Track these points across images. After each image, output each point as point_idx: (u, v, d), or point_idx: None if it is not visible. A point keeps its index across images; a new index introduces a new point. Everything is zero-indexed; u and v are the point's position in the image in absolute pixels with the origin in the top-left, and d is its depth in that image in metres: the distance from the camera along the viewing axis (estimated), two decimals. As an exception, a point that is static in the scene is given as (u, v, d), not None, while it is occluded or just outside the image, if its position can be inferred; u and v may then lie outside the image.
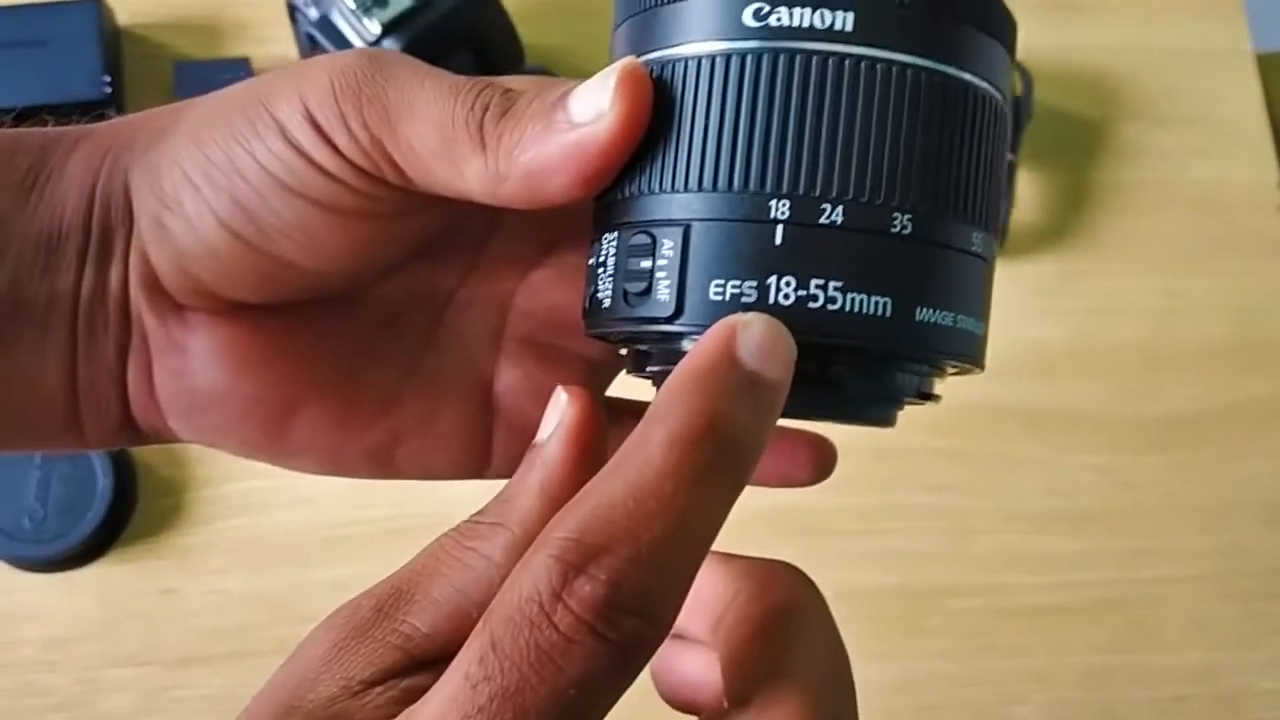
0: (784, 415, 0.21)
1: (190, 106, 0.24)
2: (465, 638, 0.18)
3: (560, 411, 0.20)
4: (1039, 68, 0.60)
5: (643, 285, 0.20)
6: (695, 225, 0.20)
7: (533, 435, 0.27)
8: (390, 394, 0.26)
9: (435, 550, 0.20)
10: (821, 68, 0.20)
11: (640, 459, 0.18)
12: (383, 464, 0.26)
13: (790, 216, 0.20)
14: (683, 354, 0.20)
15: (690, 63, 0.20)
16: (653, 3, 0.21)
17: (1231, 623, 0.55)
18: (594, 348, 0.26)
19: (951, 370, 0.23)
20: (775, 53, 0.20)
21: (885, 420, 0.23)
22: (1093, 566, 0.55)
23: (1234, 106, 0.62)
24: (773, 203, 0.20)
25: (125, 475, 0.53)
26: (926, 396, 0.23)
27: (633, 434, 0.18)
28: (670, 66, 0.21)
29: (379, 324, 0.26)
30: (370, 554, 0.54)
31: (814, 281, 0.20)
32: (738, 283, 0.20)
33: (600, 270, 0.22)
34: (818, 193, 0.20)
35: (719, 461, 0.18)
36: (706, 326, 0.19)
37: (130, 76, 0.58)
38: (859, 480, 0.56)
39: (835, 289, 0.20)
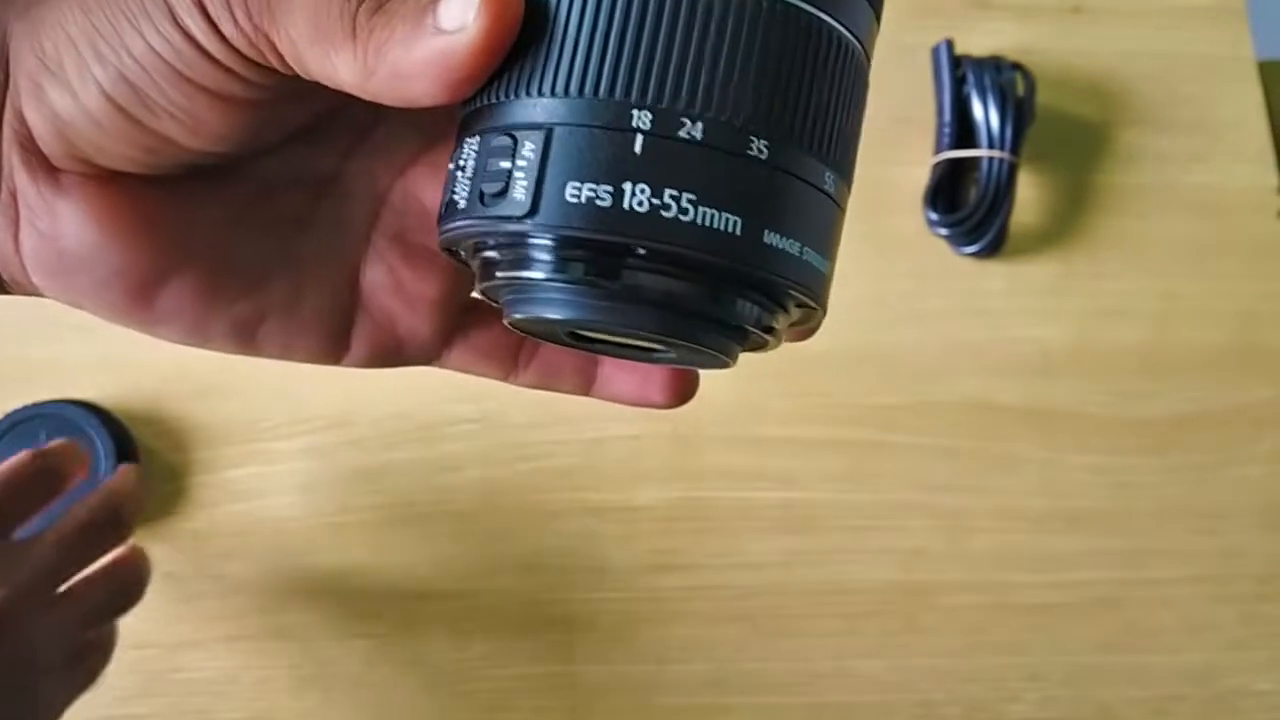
0: (624, 330, 0.22)
1: None
2: None
3: None
4: (1042, 70, 0.61)
5: (500, 185, 0.21)
6: (557, 129, 0.21)
7: (392, 330, 0.28)
8: (258, 272, 0.26)
9: None
10: None
11: None
12: (245, 340, 0.27)
13: (651, 128, 0.20)
14: (532, 259, 0.21)
15: None
16: None
17: (1227, 624, 0.55)
18: None
19: (795, 308, 0.23)
20: None
21: (722, 350, 0.23)
22: (1089, 566, 0.55)
23: (1235, 112, 0.62)
24: (635, 112, 0.20)
25: (128, 459, 0.53)
26: (768, 330, 0.23)
27: None
28: None
29: (253, 201, 0.26)
30: (369, 541, 0.54)
31: (668, 192, 0.20)
32: (594, 186, 0.20)
33: (459, 173, 0.22)
34: (680, 107, 0.20)
35: None
36: (559, 226, 0.20)
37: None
38: (856, 477, 0.56)
39: (688, 201, 0.20)
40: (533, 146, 0.21)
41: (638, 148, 0.20)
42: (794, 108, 0.21)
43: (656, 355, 0.25)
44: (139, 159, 0.24)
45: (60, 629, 0.44)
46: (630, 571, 0.54)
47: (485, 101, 0.22)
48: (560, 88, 0.21)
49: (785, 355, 0.57)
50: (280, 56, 0.22)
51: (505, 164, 0.21)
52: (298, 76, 0.23)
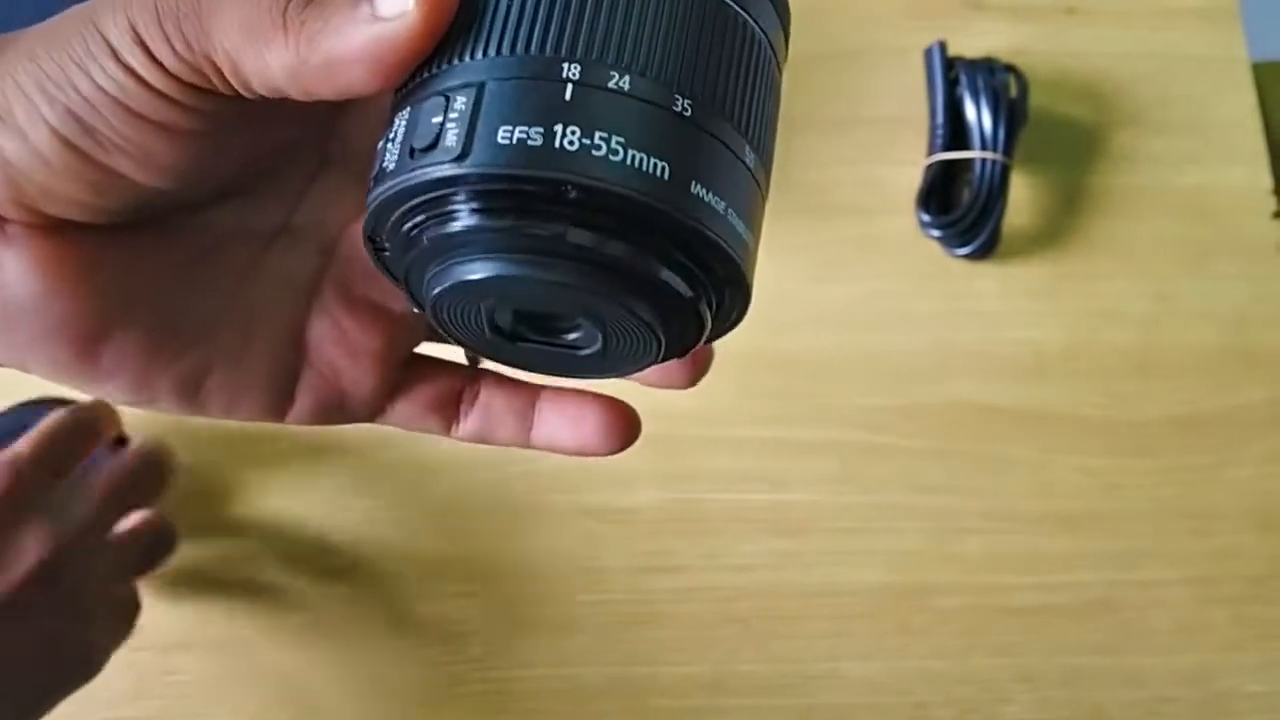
0: (551, 285, 0.22)
1: (27, 32, 0.24)
2: None
3: None
4: (1035, 72, 0.61)
5: (431, 138, 0.21)
6: (490, 83, 0.21)
7: (336, 384, 0.28)
8: (203, 326, 0.26)
9: None
10: None
11: None
12: (189, 397, 0.27)
13: (580, 78, 0.21)
14: (458, 209, 0.21)
15: None
16: None
17: (1220, 626, 0.55)
18: (404, 303, 0.26)
19: (720, 282, 0.23)
20: None
21: (650, 324, 0.23)
22: (1082, 568, 0.55)
23: (1229, 113, 0.62)
24: (565, 65, 0.21)
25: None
26: (694, 307, 0.23)
27: None
28: None
29: (198, 253, 0.26)
30: (361, 544, 0.54)
31: (598, 134, 0.21)
32: (525, 128, 0.21)
33: (389, 145, 0.22)
34: (609, 60, 0.21)
35: None
36: (490, 165, 0.20)
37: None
38: (848, 479, 0.56)
39: (618, 143, 0.21)
40: (465, 100, 0.21)
41: (568, 95, 0.21)
42: (716, 77, 0.22)
43: (582, 358, 0.25)
44: (87, 201, 0.24)
45: (104, 575, 0.46)
46: (622, 573, 0.54)
47: (419, 79, 0.22)
48: (493, 50, 0.21)
49: (776, 357, 0.57)
50: (220, 74, 0.22)
51: (437, 119, 0.21)
52: (240, 103, 0.23)
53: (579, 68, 0.21)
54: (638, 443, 0.55)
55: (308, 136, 0.26)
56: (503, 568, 0.54)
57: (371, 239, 0.24)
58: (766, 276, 0.58)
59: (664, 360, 0.24)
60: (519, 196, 0.21)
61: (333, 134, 0.28)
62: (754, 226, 0.23)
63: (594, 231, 0.21)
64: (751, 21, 0.23)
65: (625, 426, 0.29)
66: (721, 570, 0.55)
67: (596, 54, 0.21)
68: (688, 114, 0.21)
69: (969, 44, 0.61)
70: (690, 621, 0.54)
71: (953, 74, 0.60)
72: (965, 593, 0.55)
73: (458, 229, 0.21)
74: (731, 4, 0.23)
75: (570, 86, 0.21)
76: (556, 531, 0.55)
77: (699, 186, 0.21)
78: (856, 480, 0.56)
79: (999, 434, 0.57)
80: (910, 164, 0.60)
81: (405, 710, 0.53)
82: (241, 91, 0.23)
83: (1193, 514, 0.56)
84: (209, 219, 0.26)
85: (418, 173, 0.21)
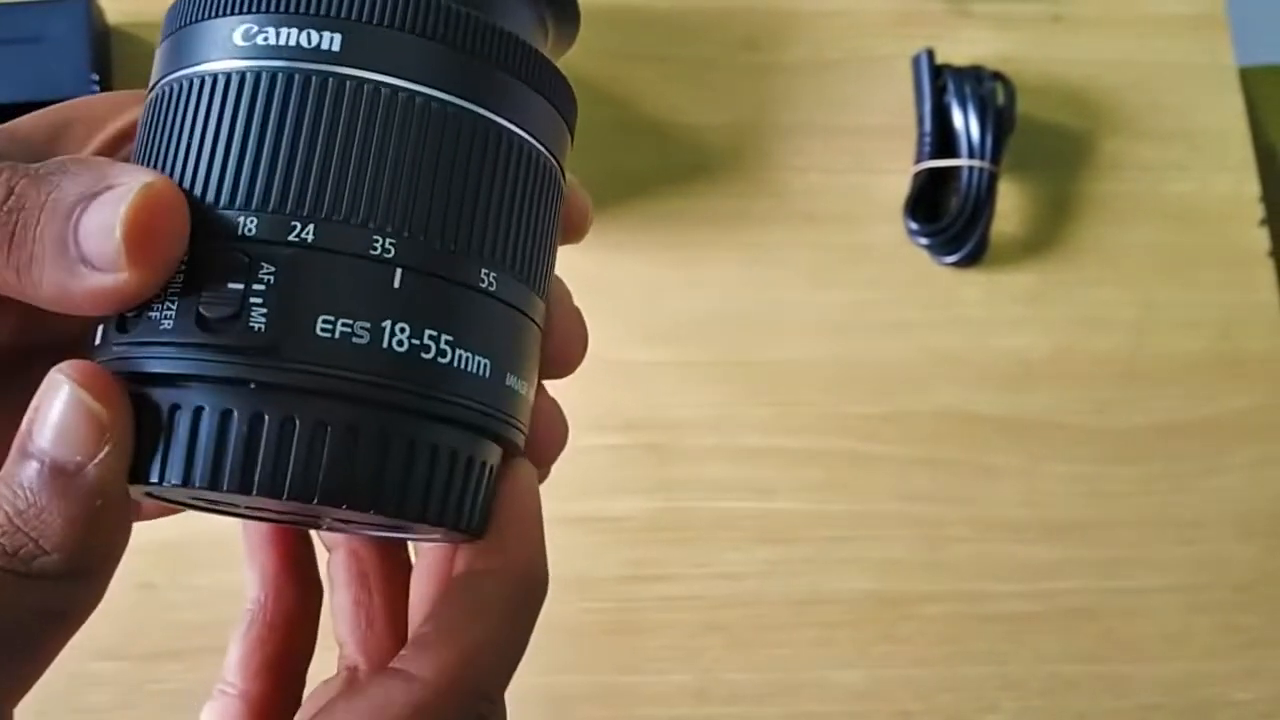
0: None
1: None
2: None
3: None
4: (1022, 80, 0.61)
5: (230, 311, 0.19)
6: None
7: None
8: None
9: None
10: (321, 87, 0.19)
11: (508, 615, 0.22)
12: None
13: (257, 234, 0.19)
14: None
15: (196, 80, 0.20)
16: (176, 26, 0.21)
17: (1205, 634, 0.55)
18: None
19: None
20: (262, 72, 0.19)
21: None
22: (1067, 576, 0.56)
23: (1216, 120, 0.62)
24: (243, 219, 0.19)
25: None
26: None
27: (482, 582, 0.22)
28: (180, 84, 0.20)
29: (5, 372, 0.25)
30: (348, 552, 0.54)
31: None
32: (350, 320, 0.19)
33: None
34: (285, 211, 0.19)
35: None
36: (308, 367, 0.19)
37: (120, 75, 0.59)
38: (835, 487, 0.56)
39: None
40: (268, 272, 0.19)
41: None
42: (471, 230, 0.20)
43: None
44: None
45: None
46: (609, 582, 0.54)
47: None
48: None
49: (763, 365, 0.57)
50: None
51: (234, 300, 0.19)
52: None
53: (254, 221, 0.19)
54: (626, 451, 0.55)
55: None
56: (489, 576, 0.54)
57: None
58: (755, 284, 0.58)
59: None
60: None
61: None
62: (527, 375, 0.22)
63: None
64: (506, 124, 0.21)
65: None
66: (708, 579, 0.55)
67: (291, 205, 0.19)
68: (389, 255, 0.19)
69: (956, 52, 0.61)
70: (677, 630, 0.54)
71: (940, 82, 0.60)
72: (950, 601, 0.55)
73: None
74: (495, 118, 0.20)
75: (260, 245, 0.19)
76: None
77: (512, 378, 0.21)
78: (843, 488, 0.56)
79: (985, 442, 0.57)
80: (898, 172, 0.60)
81: (391, 718, 0.53)
82: None
83: (1178, 522, 0.57)
84: (31, 338, 0.24)
85: (217, 359, 0.19)
